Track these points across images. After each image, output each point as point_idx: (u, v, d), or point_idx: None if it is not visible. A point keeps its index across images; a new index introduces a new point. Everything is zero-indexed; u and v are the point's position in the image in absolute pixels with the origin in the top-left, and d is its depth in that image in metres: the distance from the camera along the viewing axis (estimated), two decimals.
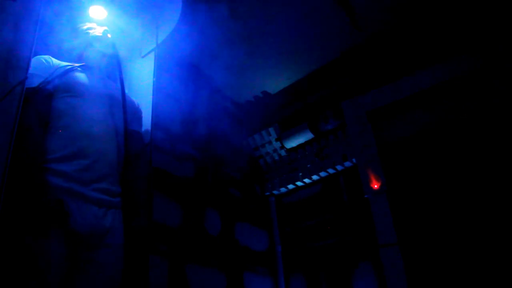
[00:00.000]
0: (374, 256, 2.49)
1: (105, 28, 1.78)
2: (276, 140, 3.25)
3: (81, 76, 1.62)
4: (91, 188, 1.41)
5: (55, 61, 1.60)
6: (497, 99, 2.19)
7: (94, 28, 1.77)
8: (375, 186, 2.45)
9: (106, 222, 1.41)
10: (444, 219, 2.22)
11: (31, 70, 1.41)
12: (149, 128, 1.82)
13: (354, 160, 2.76)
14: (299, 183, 3.12)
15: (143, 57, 2.07)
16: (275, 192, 3.27)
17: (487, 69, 2.24)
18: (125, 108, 1.63)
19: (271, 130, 3.24)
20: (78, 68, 1.64)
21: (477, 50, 2.29)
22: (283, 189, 3.22)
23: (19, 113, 1.17)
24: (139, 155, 1.68)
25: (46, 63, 1.56)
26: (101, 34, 1.75)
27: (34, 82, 1.46)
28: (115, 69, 1.78)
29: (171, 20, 2.09)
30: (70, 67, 1.61)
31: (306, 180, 3.08)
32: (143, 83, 1.95)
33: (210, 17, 2.55)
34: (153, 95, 1.88)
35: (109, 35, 1.76)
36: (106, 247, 1.39)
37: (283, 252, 3.08)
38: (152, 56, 2.01)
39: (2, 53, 1.19)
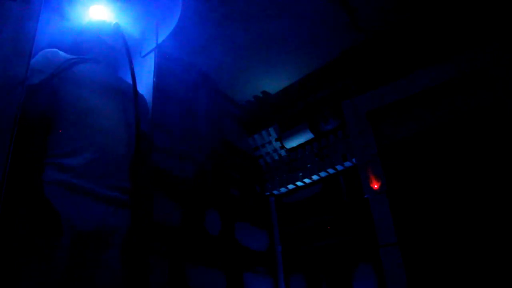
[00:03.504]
0: (374, 256, 2.49)
1: (116, 21, 1.76)
2: (276, 140, 3.25)
3: (89, 69, 1.59)
4: (99, 184, 1.37)
5: (62, 54, 1.57)
6: (497, 99, 2.19)
7: (104, 22, 1.76)
8: (375, 186, 2.45)
9: (114, 221, 1.38)
10: (444, 219, 2.21)
11: (35, 66, 1.40)
12: (149, 128, 1.81)
13: (354, 160, 2.76)
14: (299, 183, 3.12)
15: (143, 57, 2.07)
16: (275, 192, 3.26)
17: (487, 69, 2.24)
18: (137, 104, 1.58)
19: (271, 130, 3.24)
20: (86, 62, 1.62)
21: (477, 50, 2.29)
22: (283, 189, 3.22)
23: (19, 113, 1.17)
24: (144, 154, 1.66)
25: (52, 57, 1.53)
26: (111, 28, 1.73)
27: (37, 78, 1.43)
28: (124, 64, 1.76)
29: (171, 20, 2.09)
30: (77, 60, 1.59)
31: (306, 180, 3.08)
32: (143, 83, 1.95)
33: (210, 17, 2.55)
34: (153, 95, 1.88)
35: (119, 29, 1.74)
36: (114, 247, 1.37)
37: (283, 252, 3.08)
38: (152, 56, 2.01)
39: (3, 53, 1.18)
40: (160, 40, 2.05)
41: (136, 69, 2.03)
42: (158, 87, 1.93)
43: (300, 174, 3.08)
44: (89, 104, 1.48)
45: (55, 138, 1.38)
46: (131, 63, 1.65)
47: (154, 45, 2.03)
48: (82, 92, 1.49)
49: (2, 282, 1.14)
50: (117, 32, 1.72)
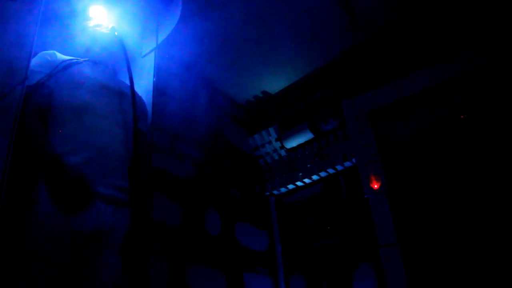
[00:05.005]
0: (374, 256, 2.49)
1: (112, 25, 1.78)
2: (276, 140, 3.25)
3: (86, 70, 1.61)
4: (99, 183, 1.38)
5: (59, 56, 1.59)
6: (497, 99, 2.19)
7: (101, 25, 1.77)
8: (375, 186, 2.45)
9: (113, 220, 1.38)
10: (444, 219, 2.21)
11: (33, 67, 1.40)
12: (149, 128, 1.82)
13: (354, 160, 2.76)
14: (299, 183, 3.12)
15: (143, 57, 2.07)
16: (275, 192, 3.26)
17: (487, 69, 2.24)
18: (135, 105, 1.60)
19: (271, 130, 3.24)
20: (83, 63, 1.64)
21: (477, 50, 2.29)
22: (283, 189, 3.22)
23: (19, 113, 1.17)
24: (143, 154, 1.67)
25: (50, 58, 1.55)
26: (107, 31, 1.75)
27: (34, 78, 1.45)
28: (122, 66, 1.77)
29: (171, 20, 2.09)
30: (75, 60, 1.61)
31: (306, 180, 3.08)
32: (143, 83, 1.95)
33: (210, 18, 2.55)
34: (153, 95, 1.88)
35: (116, 33, 1.75)
36: (113, 247, 1.36)
37: (283, 252, 3.08)
38: (152, 56, 2.01)
39: (2, 53, 1.19)
40: (160, 40, 2.05)
41: (136, 70, 2.04)
42: (158, 87, 1.93)
43: (300, 174, 3.08)
44: (86, 104, 1.49)
45: (53, 138, 1.39)
46: (128, 63, 1.65)
47: (154, 45, 2.03)
48: (79, 92, 1.50)
49: (2, 282, 1.14)
50: (114, 35, 1.73)
